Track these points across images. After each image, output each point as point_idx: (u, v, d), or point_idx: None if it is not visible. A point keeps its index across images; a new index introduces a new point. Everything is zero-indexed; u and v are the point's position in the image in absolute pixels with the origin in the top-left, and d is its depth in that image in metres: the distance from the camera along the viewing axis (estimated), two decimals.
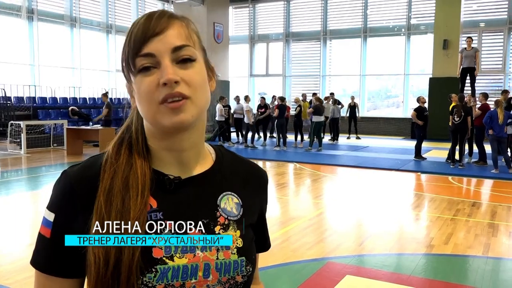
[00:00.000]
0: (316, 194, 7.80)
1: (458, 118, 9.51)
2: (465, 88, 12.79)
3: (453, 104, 9.90)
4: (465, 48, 12.47)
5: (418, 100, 10.78)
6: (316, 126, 12.61)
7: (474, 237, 5.02)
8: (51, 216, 0.82)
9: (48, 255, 0.81)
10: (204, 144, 0.90)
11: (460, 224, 5.57)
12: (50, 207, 0.83)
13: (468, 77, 12.66)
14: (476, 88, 12.74)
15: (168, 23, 0.79)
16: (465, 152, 10.52)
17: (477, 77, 12.67)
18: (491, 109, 9.38)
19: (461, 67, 12.52)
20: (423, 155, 10.96)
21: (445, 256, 4.43)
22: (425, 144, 11.04)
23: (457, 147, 9.72)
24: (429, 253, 4.49)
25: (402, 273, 3.99)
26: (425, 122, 10.49)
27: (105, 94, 12.61)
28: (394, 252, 4.60)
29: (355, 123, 16.02)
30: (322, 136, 13.15)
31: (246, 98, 13.70)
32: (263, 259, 1.03)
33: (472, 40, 12.62)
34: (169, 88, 0.76)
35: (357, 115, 16.04)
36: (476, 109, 9.95)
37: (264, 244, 1.01)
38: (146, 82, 0.77)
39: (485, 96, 10.09)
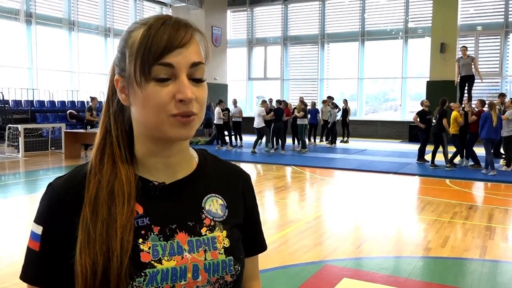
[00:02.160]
0: (314, 197, 7.82)
1: (434, 120, 9.83)
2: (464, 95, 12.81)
3: (454, 112, 9.97)
4: (461, 57, 12.49)
5: (422, 103, 10.89)
6: (300, 129, 13.08)
7: (471, 240, 5.04)
8: (39, 229, 0.82)
9: (38, 268, 0.82)
10: (189, 148, 0.92)
11: (457, 227, 5.59)
12: (37, 220, 0.83)
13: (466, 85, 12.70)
14: (472, 94, 12.78)
15: (192, 36, 0.80)
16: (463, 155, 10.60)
17: (474, 81, 12.69)
18: (485, 112, 9.47)
19: (459, 75, 12.52)
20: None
21: (442, 259, 4.45)
22: None
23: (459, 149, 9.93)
24: (426, 256, 4.50)
25: (399, 276, 4.01)
26: (428, 125, 10.54)
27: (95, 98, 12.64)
28: (391, 255, 4.62)
29: (347, 127, 16.05)
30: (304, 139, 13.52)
31: (263, 103, 13.36)
32: (261, 262, 1.04)
33: (467, 48, 12.63)
34: (185, 105, 0.78)
35: (347, 119, 16.04)
36: (471, 115, 10.03)
37: (258, 244, 1.00)
38: (161, 93, 0.78)
39: (482, 103, 10.18)
